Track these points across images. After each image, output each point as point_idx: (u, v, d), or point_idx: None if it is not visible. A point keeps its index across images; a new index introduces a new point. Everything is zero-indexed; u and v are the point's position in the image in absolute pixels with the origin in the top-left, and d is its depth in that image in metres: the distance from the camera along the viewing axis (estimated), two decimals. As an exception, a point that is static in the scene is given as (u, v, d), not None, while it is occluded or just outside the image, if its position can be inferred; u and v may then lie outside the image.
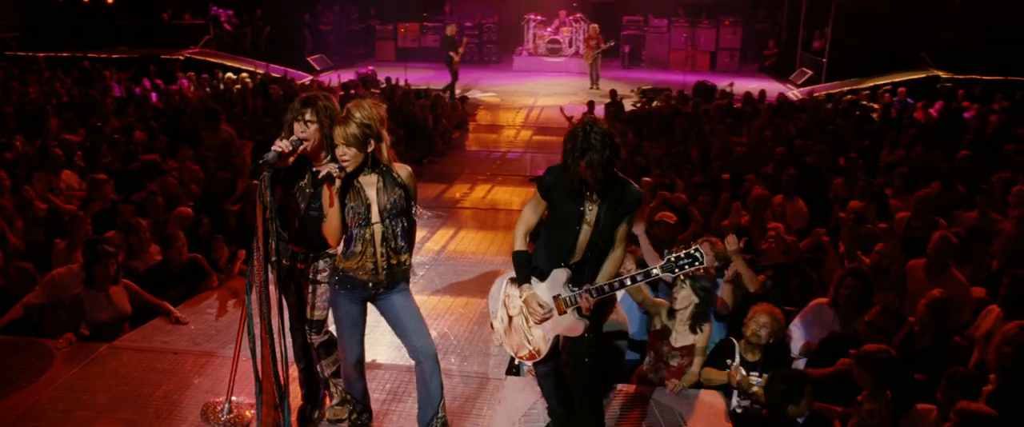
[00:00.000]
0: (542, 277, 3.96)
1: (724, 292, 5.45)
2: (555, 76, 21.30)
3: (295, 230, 4.15)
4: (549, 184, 3.86)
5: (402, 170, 4.00)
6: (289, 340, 4.36)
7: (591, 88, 19.03)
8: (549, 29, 22.67)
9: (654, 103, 15.11)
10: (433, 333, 4.34)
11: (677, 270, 3.70)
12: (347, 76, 17.95)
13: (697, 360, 4.91)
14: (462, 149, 13.75)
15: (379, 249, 3.94)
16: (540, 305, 3.92)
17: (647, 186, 8.15)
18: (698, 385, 4.94)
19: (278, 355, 3.84)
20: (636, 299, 5.10)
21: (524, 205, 4.10)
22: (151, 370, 5.20)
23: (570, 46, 22.63)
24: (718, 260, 5.60)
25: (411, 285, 4.18)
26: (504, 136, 14.69)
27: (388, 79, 17.04)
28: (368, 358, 4.57)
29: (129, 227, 6.73)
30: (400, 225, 3.97)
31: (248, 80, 17.57)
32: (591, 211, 3.80)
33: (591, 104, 14.46)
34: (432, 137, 13.22)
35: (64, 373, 5.17)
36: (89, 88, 15.42)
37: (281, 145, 3.80)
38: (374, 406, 4.63)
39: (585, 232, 3.84)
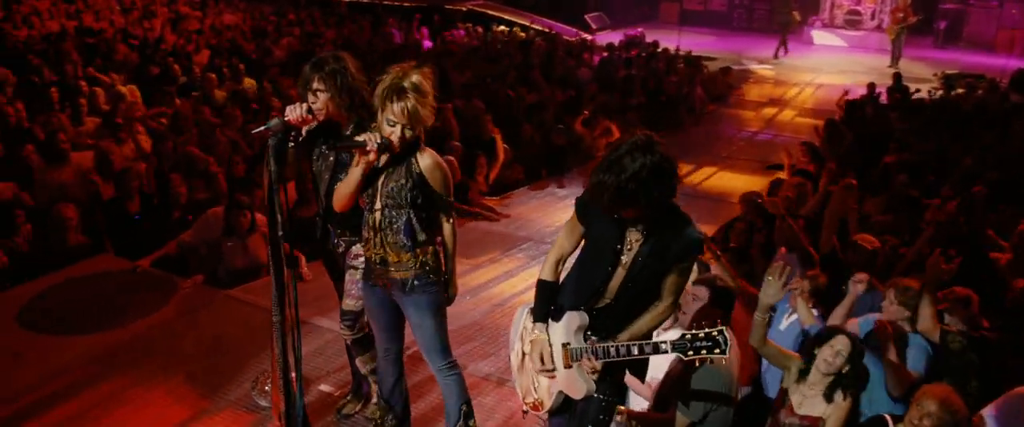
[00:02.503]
0: (559, 316, 3.18)
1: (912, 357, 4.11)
2: (849, 53, 18.78)
3: (325, 208, 3.73)
4: (587, 205, 3.05)
5: (424, 159, 3.41)
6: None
7: (889, 67, 16.47)
8: (851, -2, 20.06)
9: (955, 91, 12.61)
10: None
11: (691, 352, 2.81)
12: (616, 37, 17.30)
13: None
14: (709, 124, 12.53)
15: (377, 238, 3.44)
16: (543, 353, 3.17)
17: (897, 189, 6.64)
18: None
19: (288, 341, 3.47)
20: (754, 343, 3.99)
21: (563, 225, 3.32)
22: (245, 325, 5.17)
23: (873, 19, 19.81)
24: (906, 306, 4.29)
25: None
26: (762, 114, 13.18)
27: (655, 44, 16.11)
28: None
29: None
30: (403, 218, 3.41)
31: (521, 34, 17.68)
32: (630, 250, 2.99)
33: (871, 86, 12.38)
34: (676, 108, 12.20)
35: (180, 311, 5.33)
36: (375, 35, 16.47)
37: (290, 112, 3.35)
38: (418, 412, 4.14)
39: (618, 274, 3.03)
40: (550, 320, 3.20)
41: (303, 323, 5.12)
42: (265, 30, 15.96)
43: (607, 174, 2.76)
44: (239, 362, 4.73)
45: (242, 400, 4.39)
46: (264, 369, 4.52)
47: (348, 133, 3.55)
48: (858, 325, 4.88)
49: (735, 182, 9.20)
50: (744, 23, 21.31)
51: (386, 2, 20.42)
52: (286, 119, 3.32)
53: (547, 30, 17.55)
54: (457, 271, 3.69)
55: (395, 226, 3.41)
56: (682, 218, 3.00)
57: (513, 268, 6.55)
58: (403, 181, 3.37)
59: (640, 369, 3.35)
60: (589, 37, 18.46)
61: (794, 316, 5.00)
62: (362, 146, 3.25)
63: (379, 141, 3.25)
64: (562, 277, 3.28)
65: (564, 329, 3.15)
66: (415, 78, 3.29)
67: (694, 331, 2.83)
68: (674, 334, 4.44)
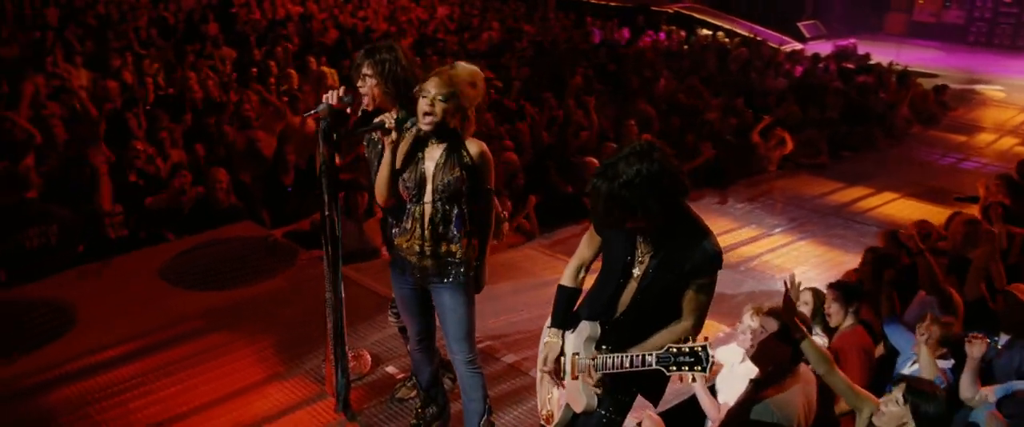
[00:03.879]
0: (575, 326, 3.11)
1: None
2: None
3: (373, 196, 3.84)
4: None
5: (473, 147, 3.44)
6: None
7: None
8: None
9: None
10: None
11: (673, 367, 2.61)
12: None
13: None
14: (909, 146, 11.37)
15: (426, 231, 3.44)
16: (553, 363, 3.09)
17: None
18: None
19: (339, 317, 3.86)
20: (818, 370, 3.59)
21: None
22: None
23: None
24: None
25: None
26: (975, 140, 11.76)
27: (866, 56, 14.90)
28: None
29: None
30: (455, 209, 3.44)
31: (725, 40, 17.04)
32: (641, 263, 2.90)
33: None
34: (871, 126, 11.21)
35: (291, 281, 5.70)
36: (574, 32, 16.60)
37: (330, 97, 3.47)
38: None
39: (630, 287, 2.94)
40: (566, 329, 3.12)
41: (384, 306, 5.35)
42: (470, 24, 16.56)
43: (601, 179, 2.66)
44: (325, 336, 4.94)
45: (315, 370, 4.61)
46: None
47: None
48: (994, 392, 4.30)
49: (913, 212, 8.29)
50: (983, 38, 19.07)
51: (593, 0, 20.43)
52: (329, 104, 3.46)
53: (752, 36, 16.72)
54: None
55: (447, 218, 3.44)
56: (698, 231, 2.84)
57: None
58: (456, 173, 3.39)
59: (652, 390, 3.14)
60: (801, 46, 17.41)
61: (916, 365, 4.51)
62: (381, 126, 3.33)
63: (396, 116, 3.30)
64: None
65: (576, 339, 3.09)
66: (462, 68, 3.33)
67: (679, 345, 2.67)
68: (748, 368, 4.15)
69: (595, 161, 7.75)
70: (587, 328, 3.03)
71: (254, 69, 10.37)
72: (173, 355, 4.73)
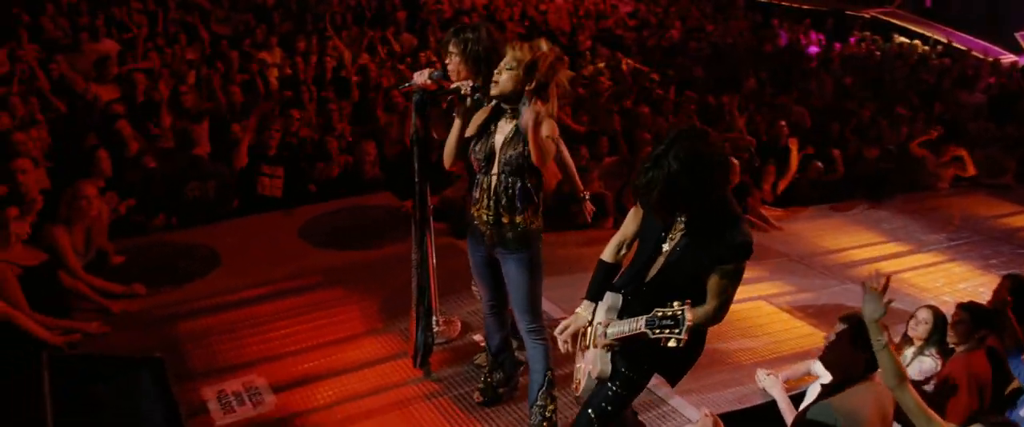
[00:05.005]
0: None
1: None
2: None
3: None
4: None
5: (546, 128, 3.50)
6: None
7: None
8: None
9: None
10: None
11: (658, 330, 2.69)
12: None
13: None
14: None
15: (492, 201, 3.63)
16: (572, 333, 3.20)
17: None
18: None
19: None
20: (887, 382, 3.36)
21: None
22: (451, 271, 5.49)
23: None
24: None
25: None
26: None
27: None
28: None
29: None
30: (519, 183, 3.59)
31: (922, 48, 15.85)
32: (671, 240, 2.95)
33: None
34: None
35: (408, 249, 6.05)
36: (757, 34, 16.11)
37: (421, 75, 3.73)
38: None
39: (658, 262, 3.00)
40: (597, 302, 3.21)
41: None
42: (648, 21, 16.47)
43: (654, 171, 2.73)
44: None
45: (407, 330, 4.89)
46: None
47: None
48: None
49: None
50: None
51: (784, 3, 19.62)
52: (415, 82, 3.73)
53: (950, 44, 15.42)
54: None
55: (511, 191, 3.60)
56: (731, 217, 2.86)
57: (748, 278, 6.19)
58: (521, 148, 3.53)
59: (668, 368, 3.15)
60: (1015, 59, 15.82)
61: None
62: (457, 91, 3.53)
63: (474, 84, 3.47)
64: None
65: (602, 309, 3.16)
66: (544, 46, 3.43)
67: (664, 309, 2.72)
68: (822, 373, 3.99)
69: (735, 161, 7.59)
70: (610, 299, 3.10)
71: (421, 54, 10.92)
72: (290, 303, 5.22)
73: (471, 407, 4.21)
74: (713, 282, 2.87)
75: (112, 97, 7.63)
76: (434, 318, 4.61)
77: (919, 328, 4.64)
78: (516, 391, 4.27)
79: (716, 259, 2.83)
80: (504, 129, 3.57)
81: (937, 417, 3.31)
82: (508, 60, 3.43)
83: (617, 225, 7.13)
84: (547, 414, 3.79)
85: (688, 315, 2.63)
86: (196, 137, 6.63)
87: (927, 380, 4.57)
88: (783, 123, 8.59)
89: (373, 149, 7.18)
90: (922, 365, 4.57)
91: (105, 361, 4.14)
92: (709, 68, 12.66)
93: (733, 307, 3.01)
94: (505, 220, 3.62)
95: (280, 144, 7.02)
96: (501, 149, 3.56)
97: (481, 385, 4.25)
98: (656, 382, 4.42)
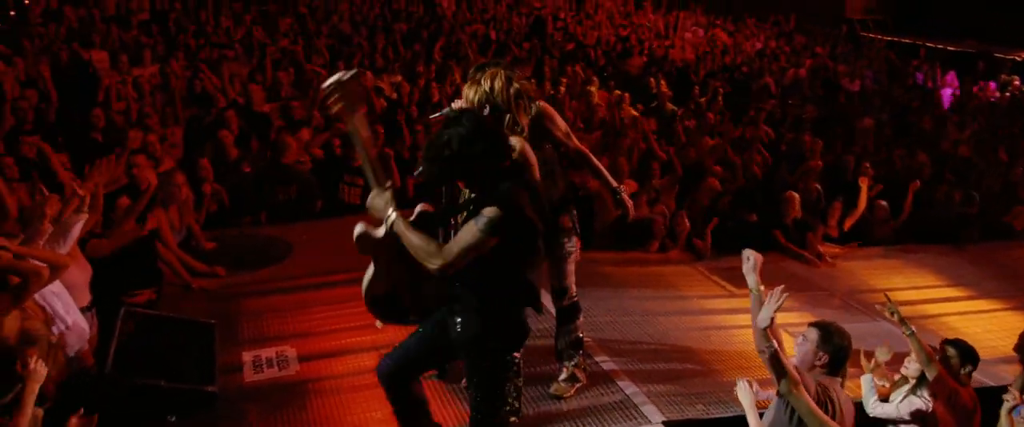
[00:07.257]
0: None
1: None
2: None
3: None
4: None
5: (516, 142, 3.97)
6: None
7: None
8: None
9: None
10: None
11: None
12: None
13: None
14: None
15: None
16: None
17: None
18: None
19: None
20: (781, 390, 3.54)
21: None
22: None
23: None
24: None
25: None
26: None
27: None
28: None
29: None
30: None
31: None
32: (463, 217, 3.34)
33: None
34: None
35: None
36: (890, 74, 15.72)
37: (457, 103, 4.18)
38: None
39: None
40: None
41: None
42: (763, 53, 16.40)
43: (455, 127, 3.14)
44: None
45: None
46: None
47: None
48: None
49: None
50: None
51: (929, 44, 18.85)
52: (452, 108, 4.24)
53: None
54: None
55: None
56: (505, 195, 3.12)
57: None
58: None
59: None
60: None
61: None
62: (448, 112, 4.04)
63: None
64: None
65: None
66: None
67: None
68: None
69: (796, 196, 7.70)
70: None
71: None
72: (338, 293, 5.88)
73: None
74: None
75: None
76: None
77: (911, 368, 4.61)
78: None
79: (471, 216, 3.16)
80: None
81: (829, 419, 3.49)
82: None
83: (663, 249, 7.47)
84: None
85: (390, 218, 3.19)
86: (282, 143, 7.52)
87: (913, 419, 4.55)
88: (850, 158, 8.55)
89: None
90: (912, 405, 4.53)
91: (165, 320, 5.00)
92: (824, 107, 12.60)
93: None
94: None
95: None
96: None
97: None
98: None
